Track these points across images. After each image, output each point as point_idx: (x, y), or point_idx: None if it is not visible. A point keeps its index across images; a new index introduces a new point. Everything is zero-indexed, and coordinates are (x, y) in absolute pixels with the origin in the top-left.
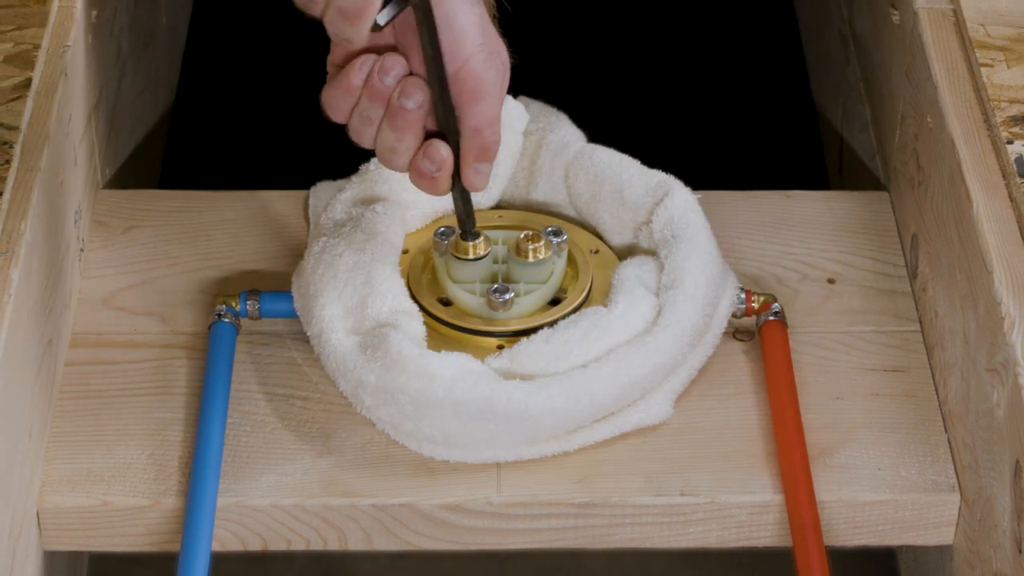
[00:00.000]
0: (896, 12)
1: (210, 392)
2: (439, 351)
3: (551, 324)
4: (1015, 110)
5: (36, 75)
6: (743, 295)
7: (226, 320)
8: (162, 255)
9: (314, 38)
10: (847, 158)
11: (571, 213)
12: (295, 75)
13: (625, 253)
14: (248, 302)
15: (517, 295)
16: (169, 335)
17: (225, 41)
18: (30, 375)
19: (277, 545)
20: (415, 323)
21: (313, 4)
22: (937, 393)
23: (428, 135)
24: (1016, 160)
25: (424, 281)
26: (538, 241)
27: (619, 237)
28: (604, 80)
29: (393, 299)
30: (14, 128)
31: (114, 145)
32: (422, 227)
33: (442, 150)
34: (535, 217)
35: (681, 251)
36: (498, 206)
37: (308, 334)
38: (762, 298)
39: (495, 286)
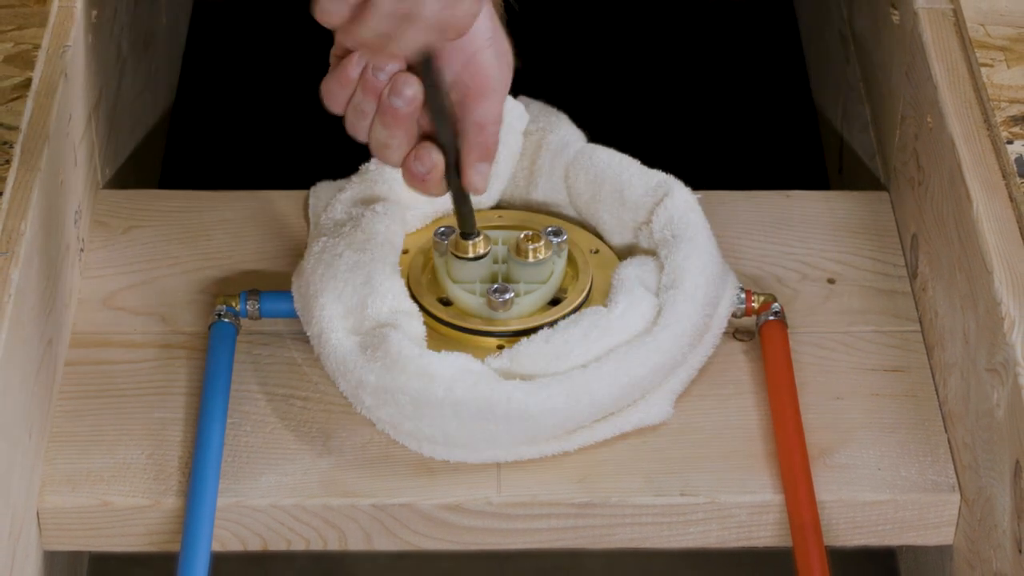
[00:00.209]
0: (896, 12)
1: (210, 392)
2: (439, 351)
3: (551, 324)
4: (1015, 110)
5: (36, 75)
6: (743, 295)
7: (226, 320)
8: (162, 255)
9: (314, 38)
10: (847, 158)
11: (571, 213)
12: (295, 75)
13: (625, 253)
14: (248, 302)
15: (517, 295)
16: (169, 335)
17: (225, 41)
18: (30, 375)
19: (277, 545)
20: (415, 323)
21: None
22: (937, 393)
23: (425, 135)
24: (1016, 160)
25: (424, 281)
26: (538, 241)
27: (619, 237)
28: (604, 80)
29: (393, 299)
30: (14, 128)
31: (114, 145)
32: (422, 227)
33: (433, 154)
34: (535, 217)
35: (681, 251)
36: (498, 206)
37: (308, 334)
38: (762, 298)
39: (495, 286)
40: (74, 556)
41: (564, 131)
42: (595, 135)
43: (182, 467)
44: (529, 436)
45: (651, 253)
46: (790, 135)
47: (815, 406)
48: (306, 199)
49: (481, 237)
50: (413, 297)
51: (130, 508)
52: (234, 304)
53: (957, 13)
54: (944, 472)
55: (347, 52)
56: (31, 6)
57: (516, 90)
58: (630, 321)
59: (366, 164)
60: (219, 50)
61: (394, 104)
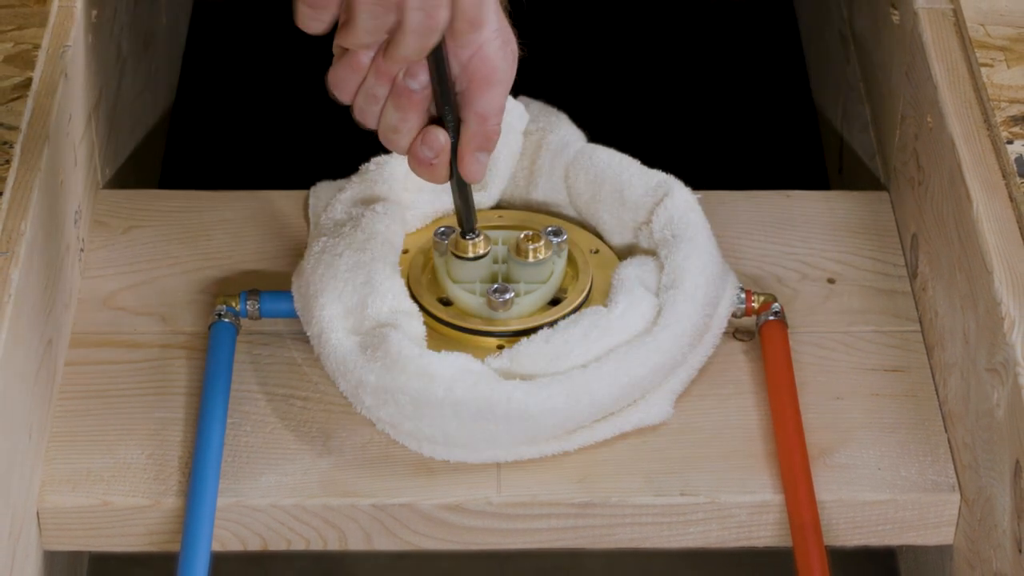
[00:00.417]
0: (896, 12)
1: (210, 392)
2: (439, 351)
3: (551, 324)
4: (1015, 110)
5: (36, 75)
6: (743, 295)
7: (226, 320)
8: (162, 255)
9: (314, 38)
10: (847, 158)
11: (571, 213)
12: (295, 75)
13: (625, 253)
14: (248, 302)
15: (517, 295)
16: (169, 335)
17: (225, 41)
18: (30, 375)
19: (277, 545)
20: (415, 323)
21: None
22: (937, 393)
23: (431, 121)
24: (1016, 160)
25: (424, 281)
26: (538, 241)
27: (619, 237)
28: (604, 80)
29: (393, 299)
30: (14, 128)
31: (114, 145)
32: (422, 227)
33: (440, 137)
34: (535, 217)
35: (681, 251)
36: (498, 206)
37: (308, 334)
38: (762, 298)
39: (495, 286)
40: (74, 556)
41: (564, 131)
42: (595, 135)
43: (182, 467)
44: (529, 436)
45: (651, 253)
46: (790, 135)
47: (815, 406)
48: (306, 199)
49: (481, 237)
50: (413, 297)
51: (130, 508)
52: (234, 304)
53: (957, 13)
54: (944, 472)
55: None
56: (31, 6)
57: (516, 90)
58: (630, 321)
59: (366, 164)
60: (219, 50)
61: (409, 86)
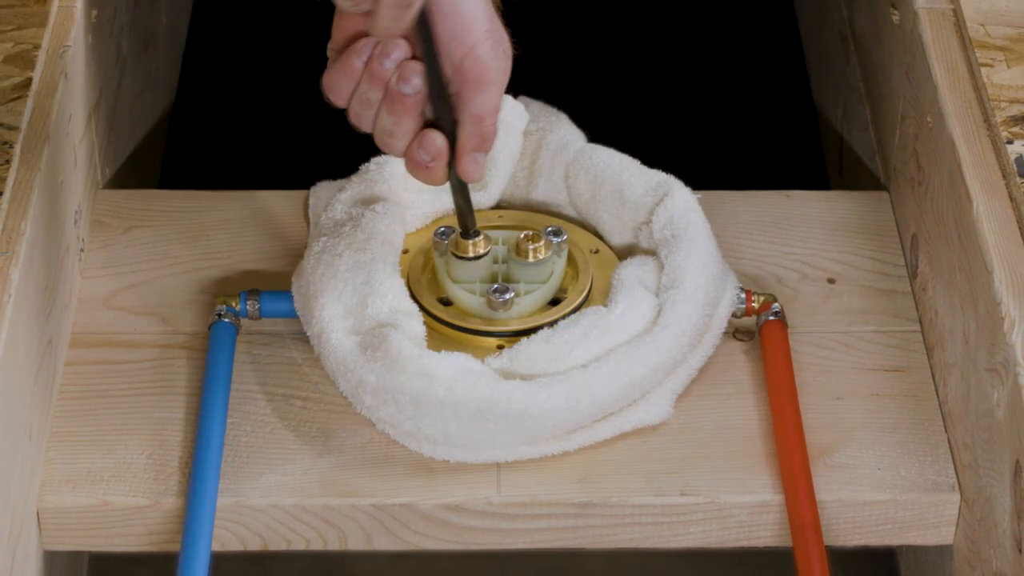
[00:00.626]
0: (896, 12)
1: (210, 392)
2: (439, 351)
3: (551, 324)
4: (1015, 110)
5: (36, 75)
6: (743, 295)
7: (226, 320)
8: (162, 255)
9: (314, 38)
10: (847, 158)
11: (571, 213)
12: (295, 75)
13: (625, 253)
14: (248, 302)
15: (517, 295)
16: (169, 335)
17: (225, 41)
18: (30, 375)
19: (277, 545)
20: (415, 323)
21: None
22: (937, 393)
23: (427, 123)
24: (1016, 160)
25: (424, 281)
26: (538, 241)
27: (619, 237)
28: (604, 80)
29: (393, 299)
30: (14, 128)
31: (114, 145)
32: (422, 227)
33: (437, 140)
34: (535, 217)
35: (681, 251)
36: (498, 206)
37: (308, 334)
38: (762, 298)
39: (495, 286)
40: (74, 556)
41: (564, 131)
42: (595, 135)
43: (182, 467)
44: (529, 436)
45: (651, 253)
46: (790, 135)
47: (815, 406)
48: (306, 199)
49: (481, 237)
50: (413, 297)
51: (130, 508)
52: (234, 304)
53: (957, 13)
54: (944, 472)
55: (345, 46)
56: (31, 6)
57: (516, 90)
58: (630, 321)
59: (366, 164)
60: (219, 50)
61: (402, 90)
